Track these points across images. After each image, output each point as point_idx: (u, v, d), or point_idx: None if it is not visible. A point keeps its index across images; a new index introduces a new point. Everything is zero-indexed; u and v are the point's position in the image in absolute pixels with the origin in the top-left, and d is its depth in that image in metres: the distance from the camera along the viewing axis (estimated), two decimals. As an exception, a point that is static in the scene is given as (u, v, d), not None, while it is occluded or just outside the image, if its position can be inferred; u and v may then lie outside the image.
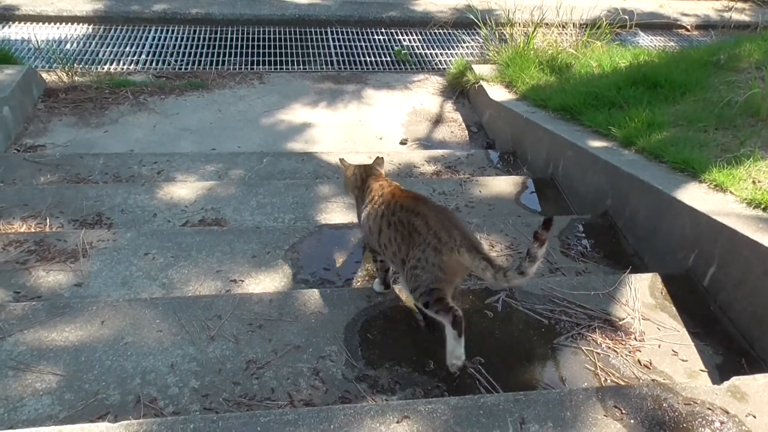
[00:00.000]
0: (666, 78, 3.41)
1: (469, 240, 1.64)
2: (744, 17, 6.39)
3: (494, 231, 2.62)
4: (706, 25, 6.21)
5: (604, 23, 4.61)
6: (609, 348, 1.91)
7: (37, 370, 1.69)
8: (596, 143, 3.01)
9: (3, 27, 5.06)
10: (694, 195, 2.30)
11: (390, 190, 1.94)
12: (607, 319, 2.02)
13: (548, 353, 1.88)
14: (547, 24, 4.70)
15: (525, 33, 4.61)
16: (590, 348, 1.91)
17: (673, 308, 2.09)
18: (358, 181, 2.09)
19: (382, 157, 2.21)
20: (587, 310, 2.05)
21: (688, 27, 6.18)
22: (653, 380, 1.81)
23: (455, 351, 1.71)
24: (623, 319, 2.03)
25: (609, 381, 1.80)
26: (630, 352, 1.91)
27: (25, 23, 5.16)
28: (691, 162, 2.50)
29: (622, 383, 1.79)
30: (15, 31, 5.04)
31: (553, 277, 2.33)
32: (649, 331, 1.99)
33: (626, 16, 4.88)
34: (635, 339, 1.95)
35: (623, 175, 2.65)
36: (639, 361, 1.88)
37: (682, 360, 1.90)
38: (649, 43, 5.78)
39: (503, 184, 3.19)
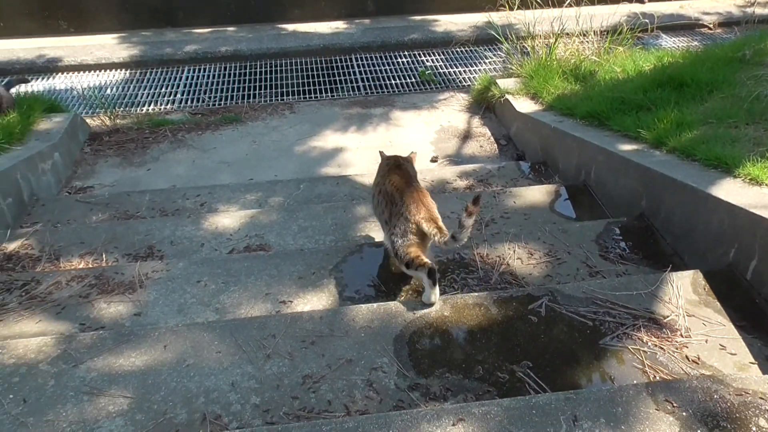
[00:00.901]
0: (692, 77, 3.43)
1: (429, 213, 2.19)
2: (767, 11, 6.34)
3: (532, 239, 2.67)
4: (728, 22, 6.18)
5: (625, 29, 4.64)
6: (655, 345, 1.94)
7: (108, 394, 1.80)
8: (626, 147, 3.04)
9: (49, 78, 5.36)
10: (730, 190, 2.32)
11: (392, 175, 2.39)
12: (651, 318, 2.04)
13: (594, 354, 1.92)
14: (567, 34, 4.76)
15: (546, 44, 4.68)
16: (636, 347, 1.93)
17: (717, 303, 2.10)
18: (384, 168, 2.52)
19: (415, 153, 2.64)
20: (630, 309, 2.08)
21: (711, 25, 6.16)
22: (702, 374, 1.82)
23: (429, 297, 2.12)
24: (667, 316, 2.05)
25: (658, 378, 1.82)
26: (677, 348, 1.93)
27: (68, 73, 5.46)
28: (724, 158, 2.51)
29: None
30: (60, 81, 5.33)
31: (594, 280, 2.36)
32: (695, 327, 2.00)
33: (647, 20, 4.91)
34: (681, 335, 1.97)
35: (656, 176, 2.67)
36: (687, 357, 1.90)
37: (731, 354, 1.91)
38: (672, 44, 5.78)
39: (537, 194, 3.23)
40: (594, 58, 4.46)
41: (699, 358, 1.89)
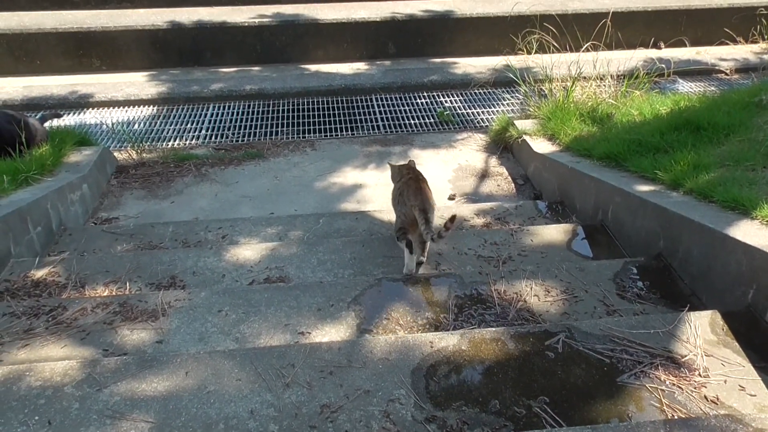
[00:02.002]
0: (708, 121, 3.47)
1: (422, 205, 2.65)
2: (784, 58, 6.41)
3: (549, 277, 2.69)
4: (745, 68, 6.25)
5: (642, 73, 4.73)
6: (673, 384, 1.93)
7: (131, 418, 1.83)
8: (644, 187, 3.07)
9: (80, 113, 5.56)
10: (747, 231, 2.33)
11: (407, 177, 2.93)
12: (669, 357, 2.04)
13: (612, 391, 1.91)
14: (584, 77, 4.86)
15: (564, 87, 4.77)
16: (654, 385, 1.93)
17: (736, 344, 2.09)
18: (399, 173, 3.06)
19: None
20: (648, 348, 2.08)
21: (727, 71, 6.23)
22: (721, 413, 1.81)
23: (408, 264, 2.77)
24: (685, 356, 2.04)
25: (676, 417, 1.81)
26: (695, 388, 1.92)
27: (98, 109, 5.66)
28: (741, 200, 2.54)
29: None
30: (90, 116, 5.52)
31: (611, 318, 2.36)
32: (714, 367, 2.00)
33: (663, 65, 5.00)
34: (699, 375, 1.96)
35: (674, 217, 2.69)
36: (705, 397, 1.89)
37: (751, 395, 1.90)
38: (689, 89, 5.85)
39: (554, 233, 3.26)
40: (611, 101, 4.54)
41: (718, 398, 1.88)
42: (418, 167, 3.13)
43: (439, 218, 3.48)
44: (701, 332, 2.13)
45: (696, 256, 2.56)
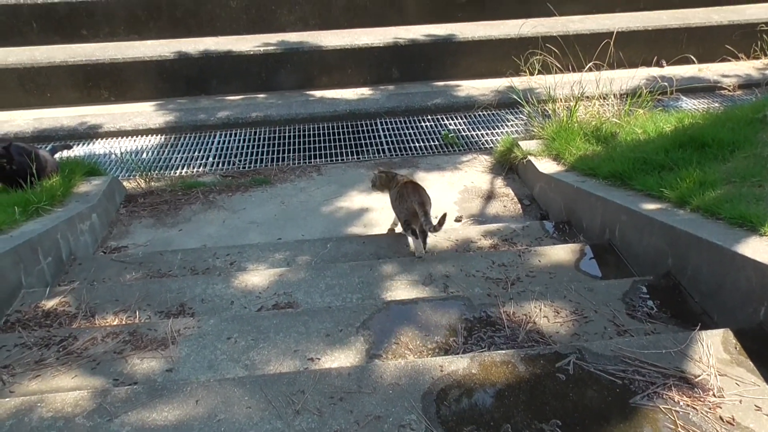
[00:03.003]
0: (713, 138, 3.48)
1: (421, 200, 3.21)
2: (787, 73, 6.43)
3: (558, 298, 2.68)
4: (748, 84, 6.27)
5: (645, 91, 4.76)
6: (688, 405, 1.91)
7: (141, 449, 1.83)
8: (650, 206, 3.07)
9: (90, 144, 5.64)
10: (757, 248, 2.32)
11: (403, 181, 3.47)
12: (682, 377, 2.02)
13: (625, 413, 1.89)
14: (587, 97, 4.89)
15: (567, 107, 4.80)
16: (668, 406, 1.91)
17: (750, 362, 2.07)
18: (387, 180, 3.67)
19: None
20: (660, 368, 2.06)
21: (730, 87, 6.25)
22: (738, 435, 1.79)
23: (417, 249, 3.34)
24: (699, 375, 2.02)
25: (692, 438, 1.79)
26: (710, 408, 1.90)
27: (107, 139, 5.74)
28: (749, 216, 2.53)
29: (706, 440, 1.78)
30: (99, 146, 5.60)
31: (622, 338, 2.35)
32: (728, 387, 1.97)
33: (666, 83, 5.02)
34: (714, 395, 1.94)
35: (681, 235, 2.69)
36: (721, 418, 1.87)
37: (767, 415, 1.87)
38: (692, 106, 5.87)
39: (562, 253, 3.26)
40: (615, 120, 4.56)
41: (734, 419, 1.86)
42: (424, 189, 3.31)
43: (446, 240, 3.50)
44: (714, 351, 2.11)
45: (705, 273, 2.55)
